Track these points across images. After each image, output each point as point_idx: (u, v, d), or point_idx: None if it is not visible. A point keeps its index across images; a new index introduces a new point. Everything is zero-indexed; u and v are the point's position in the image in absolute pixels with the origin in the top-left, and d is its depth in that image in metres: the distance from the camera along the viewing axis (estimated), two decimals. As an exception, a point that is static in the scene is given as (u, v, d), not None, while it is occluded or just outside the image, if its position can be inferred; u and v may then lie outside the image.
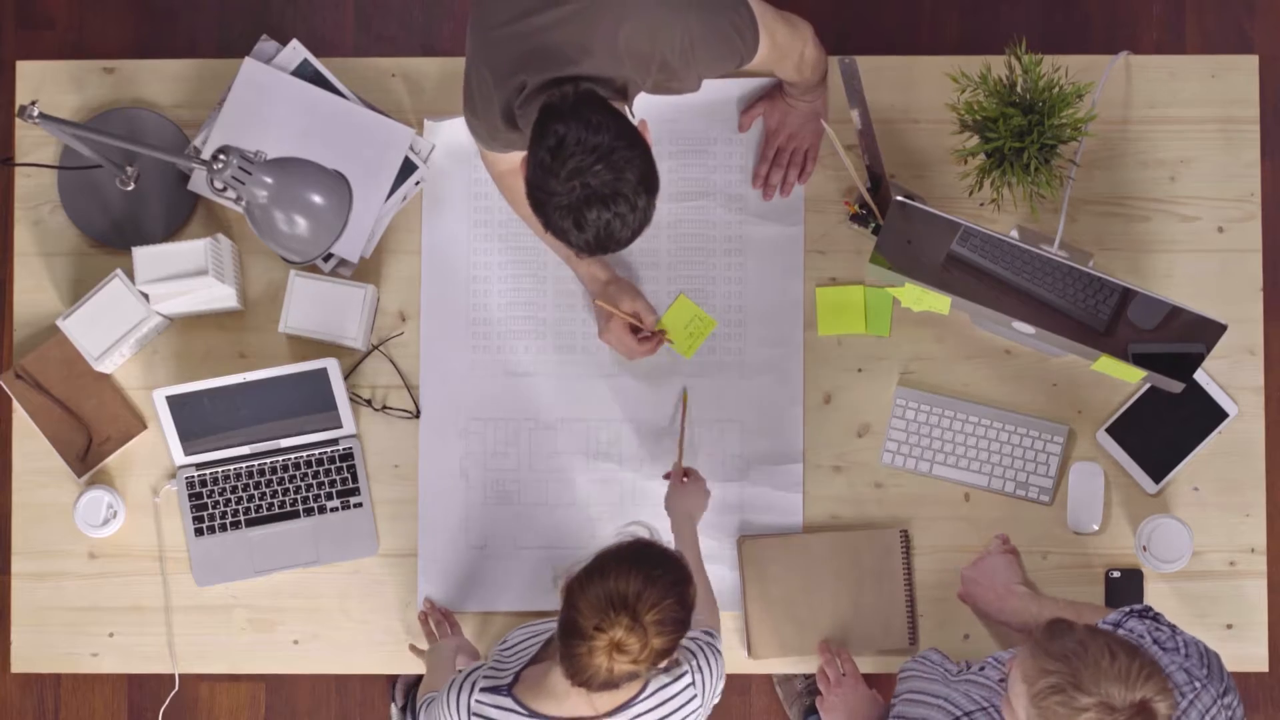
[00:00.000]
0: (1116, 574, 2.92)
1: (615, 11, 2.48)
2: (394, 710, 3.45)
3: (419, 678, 3.42)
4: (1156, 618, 2.55)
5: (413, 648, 2.91)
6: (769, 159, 2.96)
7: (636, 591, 2.30)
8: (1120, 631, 2.55)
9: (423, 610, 2.92)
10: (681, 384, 2.95)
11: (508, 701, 2.47)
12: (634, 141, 2.41)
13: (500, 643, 2.61)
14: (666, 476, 2.90)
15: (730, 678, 3.49)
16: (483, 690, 2.48)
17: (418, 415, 2.97)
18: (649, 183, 2.43)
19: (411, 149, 2.97)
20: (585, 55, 2.48)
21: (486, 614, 2.95)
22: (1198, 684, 2.44)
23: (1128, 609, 2.58)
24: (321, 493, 2.95)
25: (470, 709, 2.48)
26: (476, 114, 2.62)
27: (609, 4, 2.49)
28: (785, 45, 2.70)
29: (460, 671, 2.55)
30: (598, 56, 2.48)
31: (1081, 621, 2.59)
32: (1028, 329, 2.74)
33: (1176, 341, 2.66)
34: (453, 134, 2.98)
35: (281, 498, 2.95)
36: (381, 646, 2.95)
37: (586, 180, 2.38)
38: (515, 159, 2.79)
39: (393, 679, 3.48)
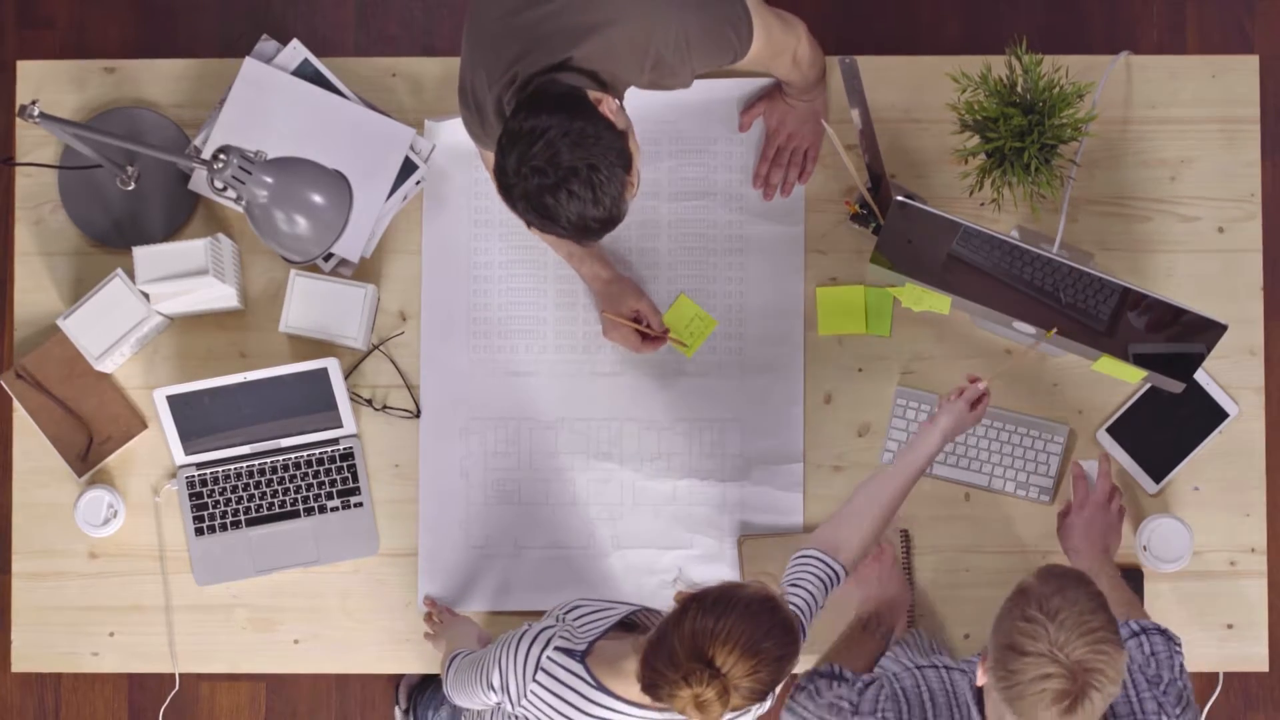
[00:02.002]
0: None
1: (611, 6, 2.49)
2: (398, 713, 3.45)
3: (423, 679, 3.42)
4: (1176, 653, 2.53)
5: (428, 636, 2.91)
6: (769, 159, 2.96)
7: (738, 655, 2.24)
8: (1141, 639, 2.54)
9: (428, 612, 2.93)
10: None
11: (579, 668, 2.42)
12: (590, 122, 2.41)
13: (567, 608, 2.54)
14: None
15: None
16: (556, 649, 2.43)
17: (418, 415, 2.97)
18: (609, 160, 2.41)
19: (411, 149, 2.97)
20: (575, 47, 2.48)
21: (486, 614, 2.95)
22: (1161, 717, 2.43)
23: (1161, 628, 2.56)
24: (322, 492, 2.95)
25: (539, 663, 2.43)
26: (471, 110, 2.62)
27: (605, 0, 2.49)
28: (780, 42, 2.70)
29: (530, 625, 2.50)
30: (589, 50, 2.49)
31: (1116, 607, 2.59)
32: (1028, 329, 2.74)
33: (1177, 341, 2.66)
34: (453, 134, 2.98)
35: (282, 497, 2.95)
36: (381, 646, 2.95)
37: (534, 165, 2.39)
38: None
39: (396, 680, 3.48)
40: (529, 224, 2.46)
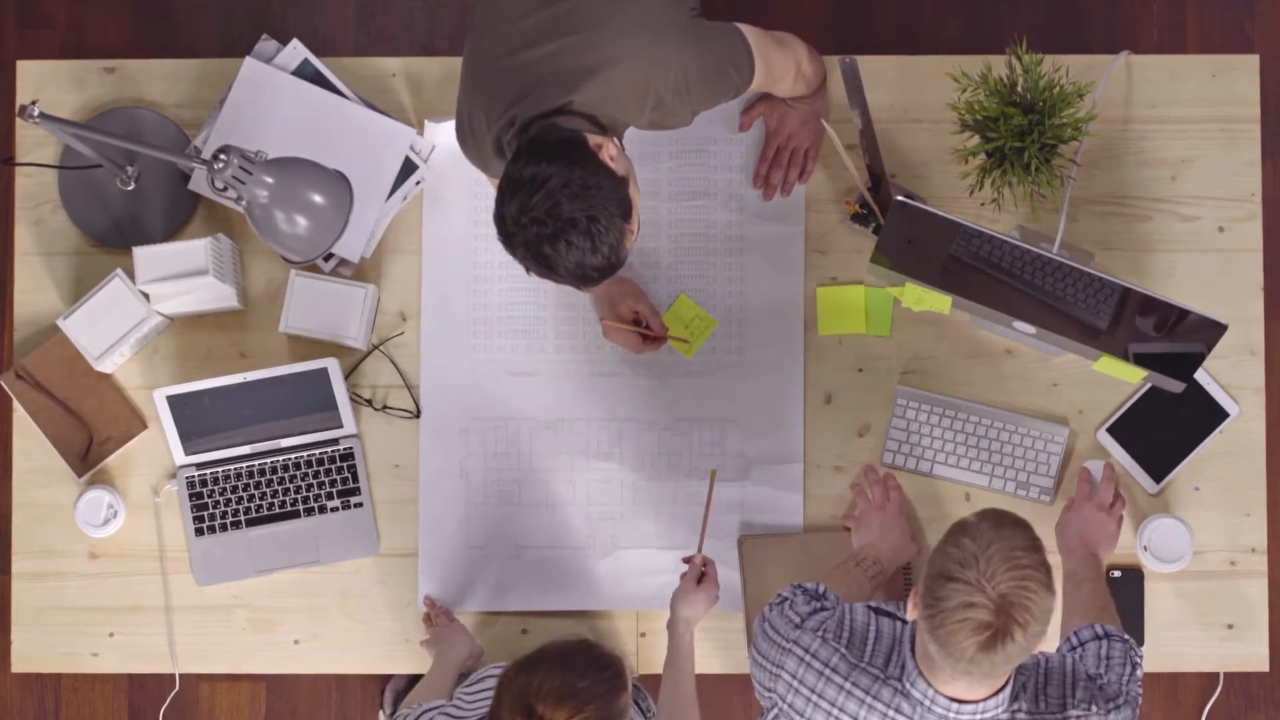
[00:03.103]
0: (1117, 574, 2.93)
1: (609, 48, 2.49)
2: (382, 717, 3.45)
3: (411, 681, 3.42)
4: (1133, 663, 2.54)
5: (425, 644, 2.91)
6: (769, 159, 2.96)
7: (556, 701, 2.28)
8: (1102, 643, 2.54)
9: (427, 613, 2.93)
10: (711, 466, 2.95)
11: None
12: (590, 171, 2.42)
13: (466, 684, 2.62)
14: (687, 561, 2.85)
15: (730, 678, 3.49)
16: None
17: (418, 415, 2.97)
18: (608, 210, 2.42)
19: (411, 149, 2.97)
20: (574, 91, 2.49)
21: (486, 614, 2.95)
22: (1091, 706, 2.43)
23: (1124, 637, 2.57)
24: (322, 493, 2.95)
25: None
26: (469, 146, 2.63)
27: (603, 41, 2.49)
28: (780, 69, 2.70)
29: (420, 707, 2.56)
30: (589, 93, 2.49)
31: (1083, 606, 2.59)
32: (1028, 329, 2.74)
33: (1177, 341, 2.66)
34: (453, 135, 2.98)
35: (282, 497, 2.95)
36: (381, 646, 2.95)
37: (534, 215, 2.40)
38: None
39: (383, 683, 3.48)
40: (527, 270, 2.47)
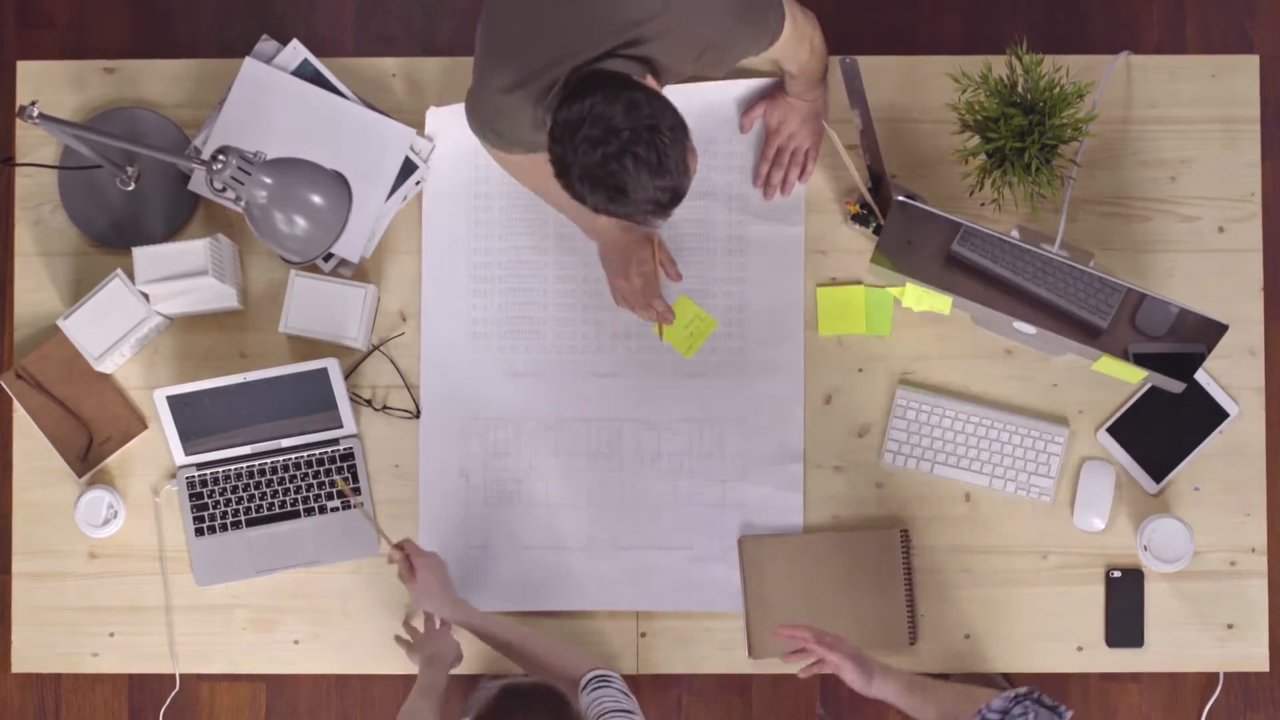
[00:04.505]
0: (1117, 574, 2.93)
1: None
2: None
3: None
4: (1040, 699, 2.49)
5: (399, 639, 2.87)
6: (769, 158, 2.95)
7: None
8: (1026, 704, 2.48)
9: (400, 556, 2.81)
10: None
11: None
12: (641, 93, 2.34)
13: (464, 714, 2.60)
14: (391, 561, 2.79)
15: (730, 678, 3.49)
16: None
17: (418, 415, 2.97)
18: (668, 122, 2.33)
19: (411, 149, 2.97)
20: (624, 35, 2.42)
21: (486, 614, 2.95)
22: None
23: (1014, 694, 2.50)
24: (322, 493, 2.95)
25: None
26: (501, 133, 2.58)
27: None
28: (802, 28, 2.68)
29: None
30: (639, 36, 2.43)
31: (971, 704, 2.53)
32: (1028, 329, 2.74)
33: (1177, 341, 2.66)
34: (455, 130, 2.98)
35: (282, 498, 2.95)
36: (381, 646, 2.95)
37: (590, 136, 2.32)
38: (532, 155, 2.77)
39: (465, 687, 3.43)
40: (598, 208, 2.37)
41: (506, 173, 2.93)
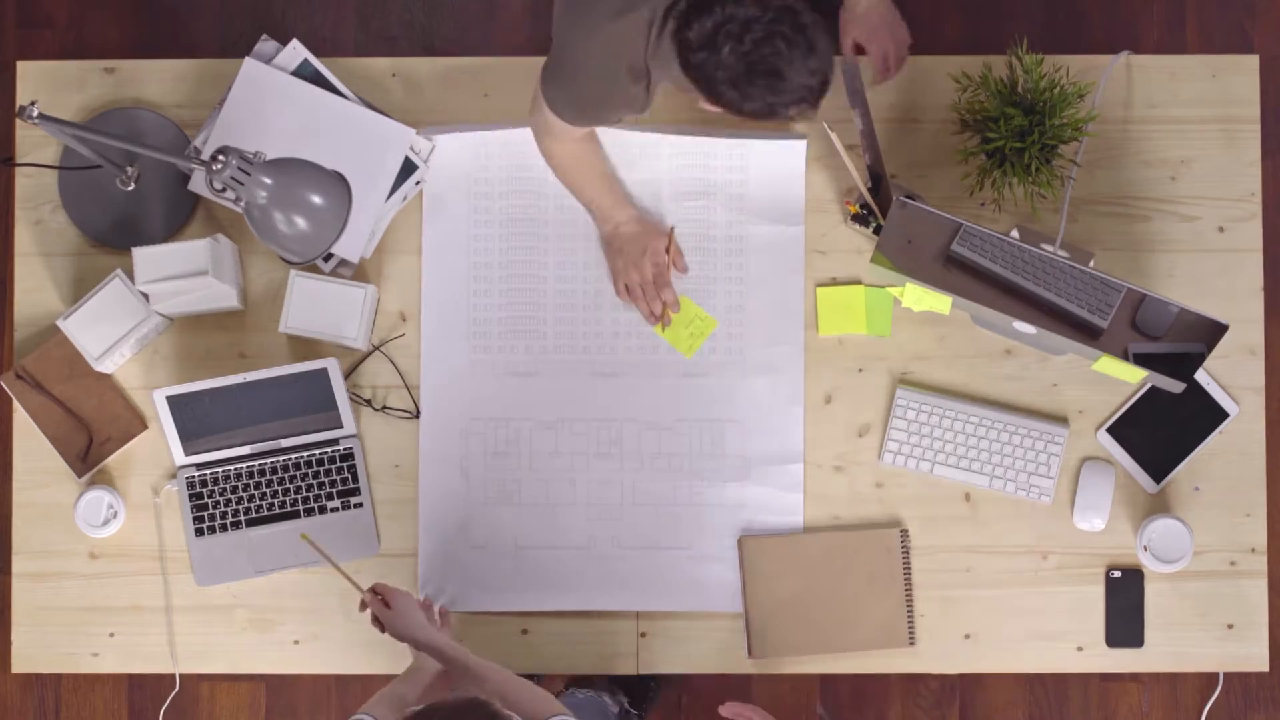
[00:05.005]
0: (1117, 574, 2.93)
1: None
2: None
3: None
4: None
5: (365, 606, 2.76)
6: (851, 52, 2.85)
7: None
8: None
9: (365, 600, 2.76)
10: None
11: None
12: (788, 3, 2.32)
13: None
14: (365, 606, 2.74)
15: (730, 678, 3.49)
16: None
17: (418, 415, 2.97)
18: (801, 4, 2.30)
19: (411, 149, 2.97)
20: None
21: (487, 614, 2.95)
22: None
23: None
24: (322, 493, 2.95)
25: None
26: (586, 93, 2.52)
27: None
28: None
29: None
30: None
31: None
32: (1028, 329, 2.74)
33: (1177, 341, 2.66)
34: (455, 132, 2.98)
35: (282, 498, 2.95)
36: (381, 647, 2.95)
37: (730, 32, 2.29)
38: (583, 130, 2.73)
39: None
40: (755, 109, 2.33)
41: (551, 168, 2.93)
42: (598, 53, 2.55)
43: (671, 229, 2.94)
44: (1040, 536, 2.94)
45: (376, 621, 2.74)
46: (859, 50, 2.95)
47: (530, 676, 3.49)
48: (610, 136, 2.98)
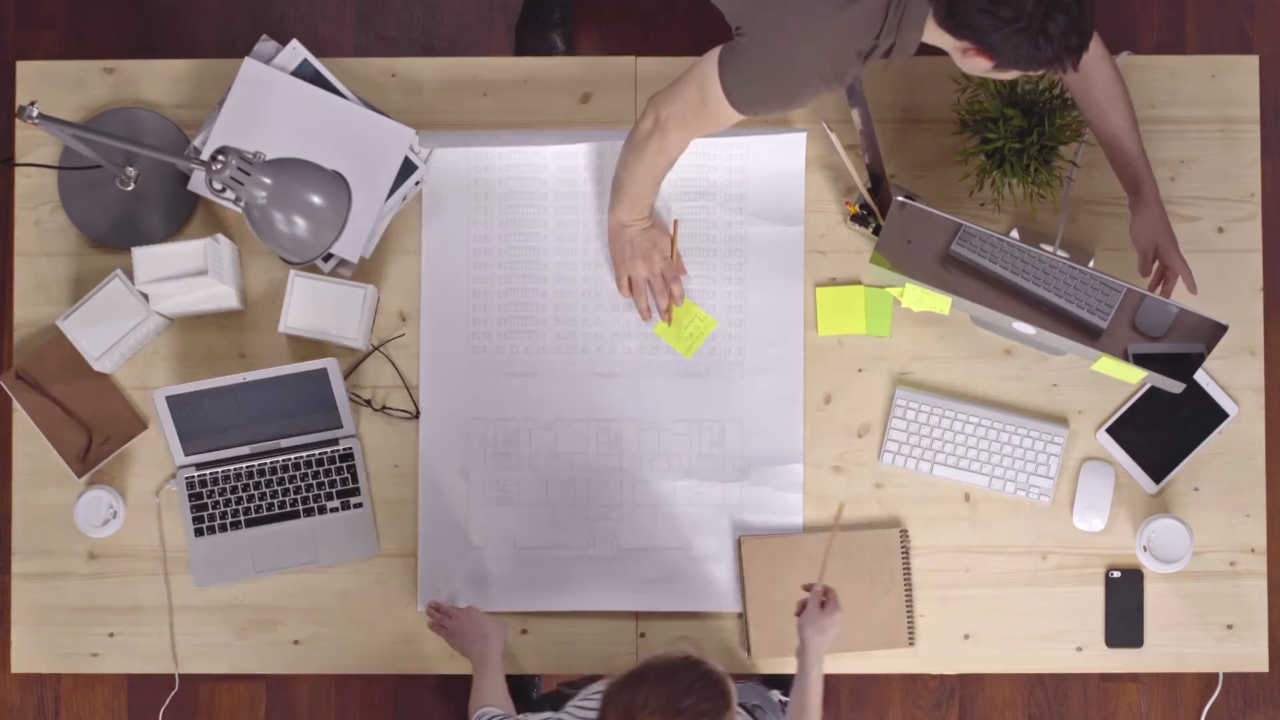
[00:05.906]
0: (1117, 574, 2.93)
1: None
2: None
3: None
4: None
5: (437, 629, 2.86)
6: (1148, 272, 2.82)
7: (663, 713, 2.28)
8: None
9: (431, 622, 2.88)
10: (839, 499, 2.93)
11: None
12: None
13: (581, 696, 2.58)
14: (807, 588, 2.77)
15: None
16: None
17: (418, 415, 2.97)
18: None
19: (411, 149, 2.97)
20: None
21: (486, 614, 2.95)
22: None
23: None
24: (321, 493, 2.95)
25: None
26: (787, 88, 2.52)
27: None
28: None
29: (527, 718, 2.55)
30: None
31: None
32: (1028, 329, 2.74)
33: (1177, 342, 2.66)
34: (447, 149, 2.98)
35: (281, 498, 2.95)
36: (381, 647, 2.95)
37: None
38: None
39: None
40: (1045, 59, 2.36)
41: (634, 144, 2.77)
42: (816, 44, 2.50)
43: (675, 221, 2.94)
44: (1040, 537, 2.94)
45: (439, 628, 2.87)
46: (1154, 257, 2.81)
47: (530, 677, 3.49)
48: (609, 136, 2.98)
